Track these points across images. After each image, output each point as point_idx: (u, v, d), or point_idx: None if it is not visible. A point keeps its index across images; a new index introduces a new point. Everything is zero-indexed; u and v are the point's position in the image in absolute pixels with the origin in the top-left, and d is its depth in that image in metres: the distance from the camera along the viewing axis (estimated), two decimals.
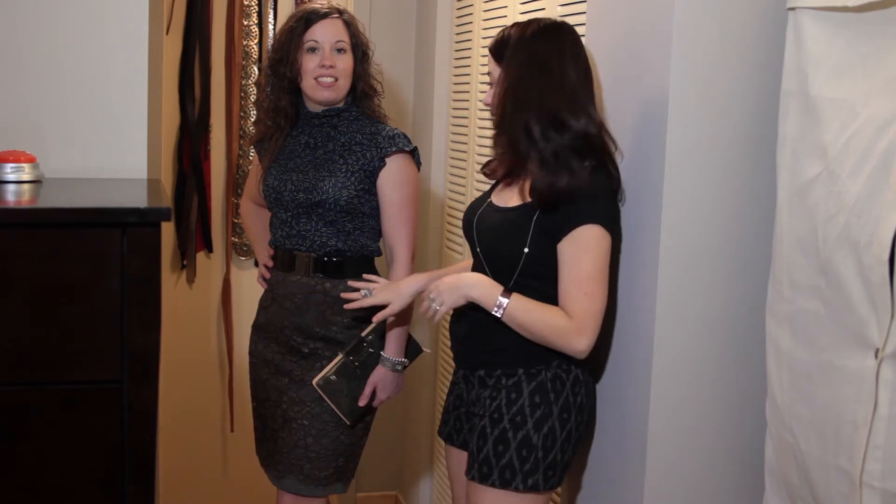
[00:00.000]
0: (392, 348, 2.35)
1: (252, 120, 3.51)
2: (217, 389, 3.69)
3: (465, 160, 3.00)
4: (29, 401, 1.70)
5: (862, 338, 1.43)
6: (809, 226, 1.56)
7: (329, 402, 2.31)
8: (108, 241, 1.69)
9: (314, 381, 2.30)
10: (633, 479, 1.87)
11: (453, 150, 3.14)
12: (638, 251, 1.87)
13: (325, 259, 2.34)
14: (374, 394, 2.36)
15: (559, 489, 2.21)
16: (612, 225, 1.86)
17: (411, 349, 2.42)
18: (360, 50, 2.37)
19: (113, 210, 1.72)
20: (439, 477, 3.27)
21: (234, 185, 3.58)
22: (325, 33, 2.32)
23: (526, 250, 1.87)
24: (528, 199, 1.88)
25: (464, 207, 2.28)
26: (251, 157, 3.50)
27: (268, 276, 2.50)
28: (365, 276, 2.31)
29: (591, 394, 1.98)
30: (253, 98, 3.51)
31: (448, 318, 2.12)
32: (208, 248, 3.61)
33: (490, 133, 2.01)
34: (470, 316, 1.94)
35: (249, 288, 3.54)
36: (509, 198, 1.96)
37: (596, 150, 1.86)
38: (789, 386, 1.62)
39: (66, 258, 1.68)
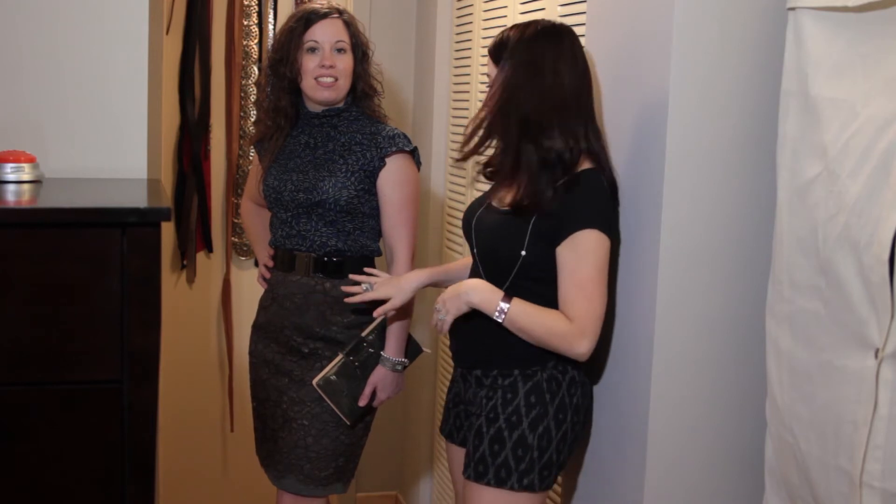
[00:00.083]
0: (392, 348, 2.35)
1: (252, 120, 3.51)
2: (217, 389, 3.69)
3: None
4: (29, 401, 1.71)
5: (862, 338, 1.43)
6: (809, 226, 1.56)
7: (329, 402, 2.31)
8: (108, 241, 1.69)
9: (314, 381, 2.30)
10: (632, 480, 1.87)
11: (453, 150, 3.13)
12: (638, 251, 1.87)
13: (325, 259, 2.34)
14: (374, 394, 2.36)
15: (559, 490, 2.22)
16: (610, 229, 1.86)
17: (411, 349, 2.42)
18: (360, 50, 2.37)
19: (113, 210, 1.72)
20: (439, 477, 3.27)
21: (234, 185, 3.58)
22: (325, 33, 2.32)
23: (523, 253, 1.88)
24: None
25: (464, 207, 2.28)
26: (251, 157, 3.50)
27: (268, 276, 2.50)
28: (366, 269, 2.31)
29: (587, 394, 1.98)
30: (253, 98, 3.51)
31: None
32: (208, 248, 3.61)
33: None
34: (469, 316, 1.95)
35: (249, 288, 3.54)
36: (507, 199, 1.97)
37: (566, 169, 1.86)
38: (789, 386, 1.62)
39: (66, 258, 1.68)
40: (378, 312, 2.20)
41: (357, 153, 2.33)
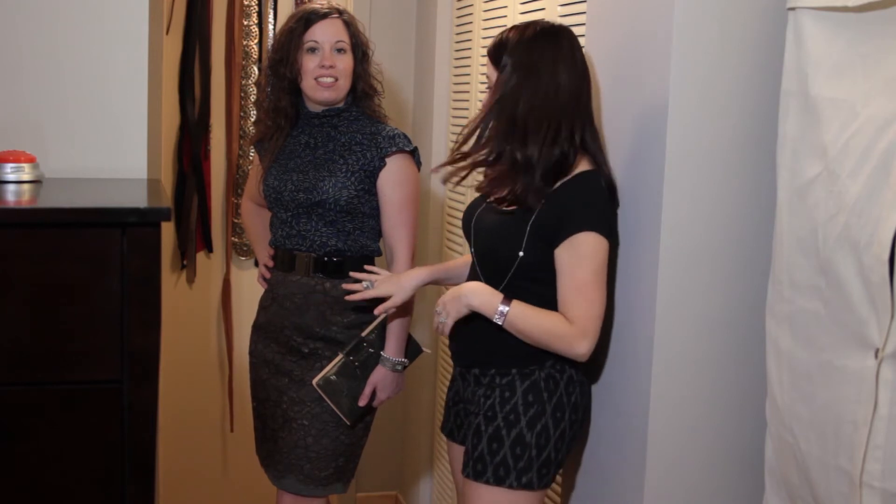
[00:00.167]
0: (392, 348, 2.35)
1: (252, 120, 3.51)
2: (217, 389, 3.69)
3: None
4: (29, 401, 1.71)
5: (862, 338, 1.43)
6: (809, 226, 1.56)
7: (329, 402, 2.32)
8: (108, 241, 1.69)
9: (314, 381, 2.30)
10: (632, 479, 1.87)
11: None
12: (638, 251, 1.87)
13: (325, 259, 2.34)
14: (374, 394, 2.36)
15: (559, 490, 2.22)
16: (609, 230, 1.87)
17: (411, 349, 2.42)
18: (360, 50, 2.37)
19: (113, 210, 1.72)
20: (439, 477, 3.27)
21: (234, 185, 3.58)
22: (325, 33, 2.32)
23: (521, 254, 1.88)
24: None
25: (464, 207, 2.28)
26: (251, 157, 3.50)
27: (268, 276, 2.50)
28: (367, 267, 2.31)
29: (585, 393, 1.98)
30: (253, 98, 3.51)
31: None
32: (208, 248, 3.61)
33: None
34: (468, 317, 1.95)
35: (249, 288, 3.54)
36: (501, 198, 1.97)
37: (564, 170, 1.87)
38: (789, 386, 1.62)
39: (66, 258, 1.69)
40: (379, 310, 2.21)
41: (357, 153, 2.33)
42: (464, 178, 1.99)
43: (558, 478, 2.19)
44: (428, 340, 3.20)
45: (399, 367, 2.37)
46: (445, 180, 2.04)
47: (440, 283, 2.27)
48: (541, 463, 1.89)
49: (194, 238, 3.56)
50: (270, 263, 2.50)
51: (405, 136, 2.36)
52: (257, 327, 2.50)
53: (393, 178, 2.33)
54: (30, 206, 1.85)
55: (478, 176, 2.10)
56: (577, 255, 1.83)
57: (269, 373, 2.42)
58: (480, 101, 2.69)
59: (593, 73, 2.01)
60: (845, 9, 1.50)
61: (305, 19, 2.33)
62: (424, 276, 2.21)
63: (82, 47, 2.24)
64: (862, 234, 1.42)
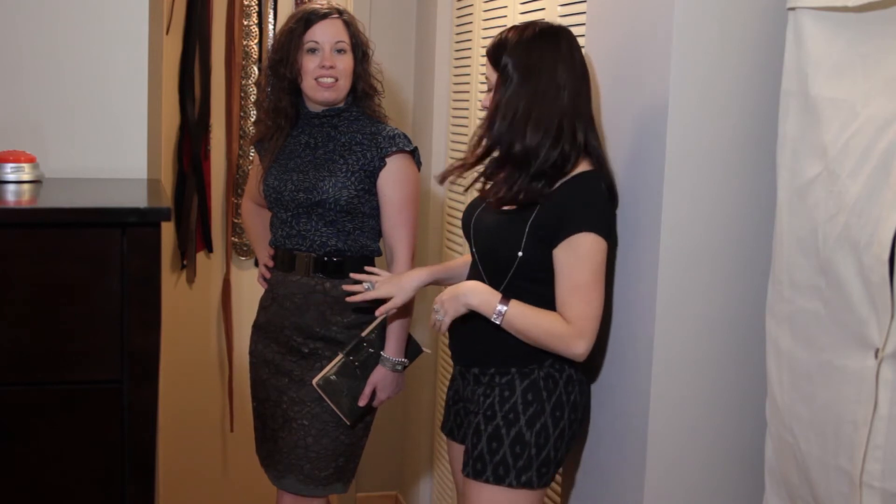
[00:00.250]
0: (392, 348, 2.35)
1: (252, 120, 3.51)
2: (217, 389, 3.69)
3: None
4: (29, 401, 1.71)
5: (862, 338, 1.43)
6: (809, 226, 1.56)
7: (329, 402, 2.32)
8: (108, 241, 1.69)
9: (314, 381, 2.30)
10: (632, 479, 1.87)
11: (453, 150, 3.14)
12: (638, 251, 1.87)
13: (325, 259, 2.34)
14: (374, 394, 2.36)
15: (558, 490, 2.22)
16: (608, 231, 1.87)
17: (411, 349, 2.42)
18: (360, 50, 2.37)
19: (113, 210, 1.72)
20: (439, 477, 3.27)
21: (234, 185, 3.58)
22: (325, 34, 2.32)
23: (520, 254, 1.88)
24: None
25: (463, 207, 2.28)
26: (251, 157, 3.50)
27: (268, 276, 2.50)
28: (367, 268, 2.31)
29: (584, 392, 1.99)
30: (253, 98, 3.51)
31: None
32: (208, 248, 3.61)
33: None
34: (468, 315, 1.95)
35: (249, 288, 3.54)
36: (501, 198, 1.97)
37: (564, 170, 1.87)
38: (789, 386, 1.62)
39: (66, 258, 1.68)
40: (380, 311, 2.21)
41: (357, 153, 2.33)
42: (473, 184, 2.02)
43: (558, 477, 2.19)
44: (428, 340, 3.20)
45: (399, 367, 2.37)
46: (443, 181, 2.05)
47: (441, 284, 2.27)
48: (540, 462, 1.90)
49: (194, 238, 3.55)
50: (270, 263, 2.50)
51: (405, 136, 2.36)
52: (257, 327, 2.50)
53: (393, 178, 2.33)
54: (30, 206, 1.85)
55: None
56: (576, 256, 1.83)
57: (269, 373, 2.42)
58: (480, 101, 2.69)
59: (593, 73, 2.01)
60: (845, 9, 1.50)
61: (305, 19, 2.33)
62: (425, 276, 2.21)
63: (82, 47, 2.24)
64: (862, 234, 1.42)
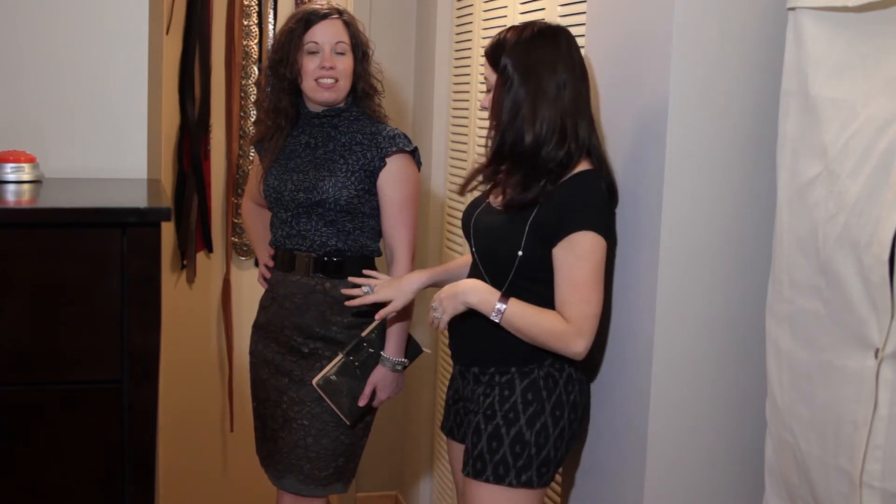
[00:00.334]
0: (392, 348, 2.35)
1: (252, 120, 3.51)
2: (217, 389, 3.69)
3: (465, 160, 3.00)
4: (29, 401, 1.71)
5: (862, 338, 1.43)
6: (809, 226, 1.56)
7: (329, 402, 2.32)
8: (108, 241, 1.69)
9: (314, 381, 2.30)
10: (632, 479, 1.87)
11: (453, 150, 3.14)
12: (638, 251, 1.87)
13: (325, 259, 2.34)
14: (374, 394, 2.36)
15: (558, 490, 2.22)
16: (607, 230, 1.87)
17: (411, 349, 2.42)
18: (360, 50, 2.37)
19: (113, 210, 1.72)
20: (439, 477, 3.27)
21: (234, 185, 3.58)
22: (325, 34, 2.32)
23: (520, 253, 1.88)
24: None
25: (464, 207, 2.29)
26: (251, 157, 3.50)
27: (268, 276, 2.50)
28: (365, 271, 2.31)
29: (584, 392, 1.99)
30: (253, 98, 3.51)
31: None
32: (208, 248, 3.61)
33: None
34: (467, 314, 1.95)
35: (249, 288, 3.54)
36: (499, 199, 1.97)
37: (564, 169, 1.87)
38: (789, 386, 1.62)
39: (66, 258, 1.68)
40: (380, 315, 2.21)
41: (357, 153, 2.33)
42: (472, 185, 2.04)
43: (558, 477, 2.19)
44: (428, 340, 3.20)
45: (399, 367, 2.37)
46: (463, 192, 2.08)
47: (440, 286, 2.27)
48: (540, 461, 1.90)
49: (194, 238, 3.56)
50: (271, 263, 2.50)
51: (405, 136, 2.36)
52: (257, 327, 2.50)
53: (393, 178, 2.33)
54: (30, 206, 1.85)
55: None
56: (575, 255, 1.83)
57: (269, 373, 2.42)
58: (479, 100, 2.69)
59: (593, 73, 2.01)
60: (845, 9, 1.50)
61: (305, 20, 2.33)
62: (424, 279, 2.22)
63: (82, 47, 2.24)
64: (862, 234, 1.42)
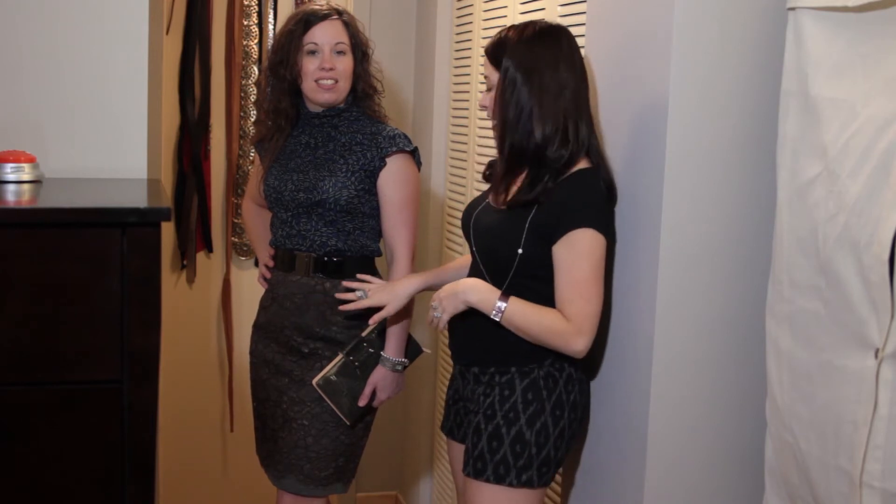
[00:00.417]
0: (392, 348, 2.35)
1: (252, 120, 3.51)
2: (217, 389, 3.69)
3: (465, 160, 3.00)
4: (29, 401, 1.71)
5: (862, 338, 1.43)
6: (809, 226, 1.56)
7: (329, 402, 2.32)
8: (108, 241, 1.69)
9: (314, 381, 2.30)
10: (632, 479, 1.87)
11: (453, 150, 3.14)
12: (637, 251, 1.87)
13: (326, 259, 2.34)
14: (374, 394, 2.36)
15: (558, 490, 2.22)
16: (606, 228, 1.87)
17: (411, 349, 2.42)
18: (359, 50, 2.37)
19: (113, 210, 1.72)
20: (439, 477, 3.27)
21: (234, 185, 3.58)
22: (325, 35, 2.32)
23: (520, 251, 1.88)
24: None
25: (464, 207, 2.29)
26: (251, 157, 3.50)
27: (268, 276, 2.50)
28: (359, 276, 2.31)
29: (584, 392, 1.99)
30: (253, 98, 3.51)
31: None
32: (208, 248, 3.61)
33: (490, 133, 2.01)
34: (467, 313, 1.95)
35: (249, 288, 3.54)
36: (501, 197, 1.97)
37: (563, 168, 1.87)
38: (789, 386, 1.62)
39: (66, 258, 1.68)
40: (374, 320, 2.22)
41: (357, 153, 2.33)
42: (490, 188, 2.04)
43: (558, 476, 2.19)
44: (428, 340, 3.20)
45: (399, 367, 2.37)
46: (500, 202, 2.05)
47: (434, 290, 2.27)
48: (541, 461, 1.90)
49: (194, 238, 3.56)
50: (271, 263, 2.50)
51: (405, 137, 2.36)
52: (257, 327, 2.50)
53: (393, 178, 2.33)
54: (30, 206, 1.85)
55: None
56: (575, 252, 1.83)
57: (270, 373, 2.42)
58: (479, 100, 2.69)
59: (593, 73, 2.01)
60: (845, 9, 1.50)
61: (305, 21, 2.33)
62: (418, 283, 2.22)
63: (82, 47, 2.24)
64: (862, 234, 1.42)
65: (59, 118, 2.24)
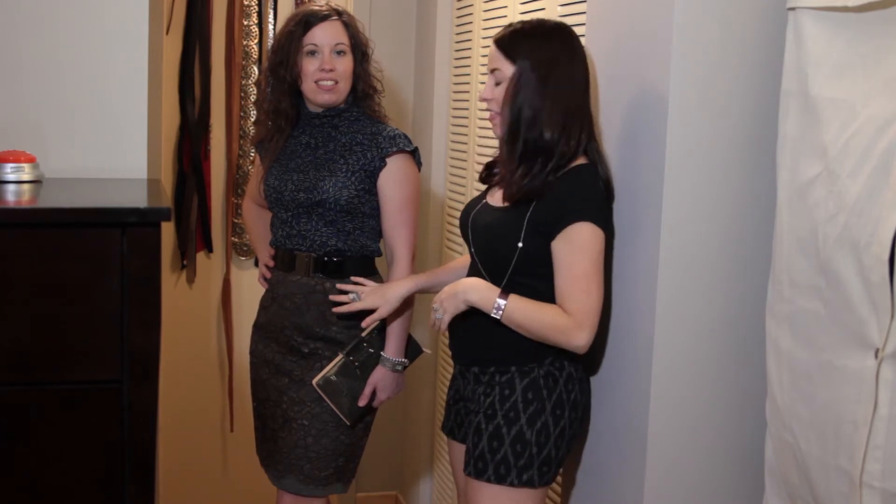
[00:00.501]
0: (392, 348, 2.35)
1: (252, 120, 3.51)
2: (217, 389, 3.69)
3: (465, 160, 3.00)
4: (29, 401, 1.71)
5: (862, 338, 1.43)
6: (809, 226, 1.56)
7: (329, 402, 2.32)
8: (108, 241, 1.69)
9: (314, 381, 2.30)
10: (632, 479, 1.87)
11: (453, 150, 3.14)
12: (638, 251, 1.87)
13: (326, 259, 2.34)
14: (374, 394, 2.36)
15: (558, 490, 2.22)
16: (605, 222, 1.87)
17: (411, 349, 2.42)
18: (359, 50, 2.37)
19: (113, 210, 1.73)
20: (439, 477, 3.27)
21: (234, 185, 3.58)
22: (325, 36, 2.31)
23: (520, 245, 1.88)
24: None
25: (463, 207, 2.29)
26: (251, 157, 3.50)
27: (269, 276, 2.50)
28: (353, 278, 2.32)
29: (584, 391, 1.99)
30: (253, 98, 3.51)
31: None
32: (208, 248, 3.61)
33: (490, 133, 2.01)
34: (467, 313, 1.95)
35: (249, 288, 3.54)
36: (500, 194, 1.97)
37: (563, 164, 1.87)
38: (789, 386, 1.62)
39: (66, 258, 1.69)
40: (366, 323, 2.23)
41: (358, 153, 2.33)
42: (488, 187, 2.04)
43: (558, 476, 2.19)
44: (428, 340, 3.20)
45: (399, 368, 2.37)
46: (510, 200, 2.04)
47: (427, 292, 2.27)
48: (541, 461, 1.90)
49: (194, 238, 3.56)
50: (271, 263, 2.50)
51: (405, 137, 2.36)
52: (257, 327, 2.50)
53: (393, 178, 2.33)
54: (30, 206, 1.85)
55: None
56: (574, 247, 1.83)
57: (270, 373, 2.42)
58: (479, 92, 2.69)
59: (594, 72, 2.01)
60: (845, 9, 1.50)
61: (304, 21, 2.32)
62: (410, 286, 2.23)
63: (82, 47, 2.24)
64: (862, 234, 1.42)
65: (59, 118, 2.24)
